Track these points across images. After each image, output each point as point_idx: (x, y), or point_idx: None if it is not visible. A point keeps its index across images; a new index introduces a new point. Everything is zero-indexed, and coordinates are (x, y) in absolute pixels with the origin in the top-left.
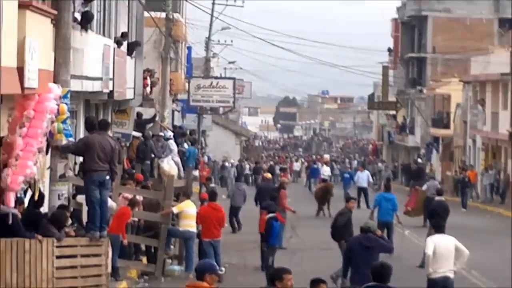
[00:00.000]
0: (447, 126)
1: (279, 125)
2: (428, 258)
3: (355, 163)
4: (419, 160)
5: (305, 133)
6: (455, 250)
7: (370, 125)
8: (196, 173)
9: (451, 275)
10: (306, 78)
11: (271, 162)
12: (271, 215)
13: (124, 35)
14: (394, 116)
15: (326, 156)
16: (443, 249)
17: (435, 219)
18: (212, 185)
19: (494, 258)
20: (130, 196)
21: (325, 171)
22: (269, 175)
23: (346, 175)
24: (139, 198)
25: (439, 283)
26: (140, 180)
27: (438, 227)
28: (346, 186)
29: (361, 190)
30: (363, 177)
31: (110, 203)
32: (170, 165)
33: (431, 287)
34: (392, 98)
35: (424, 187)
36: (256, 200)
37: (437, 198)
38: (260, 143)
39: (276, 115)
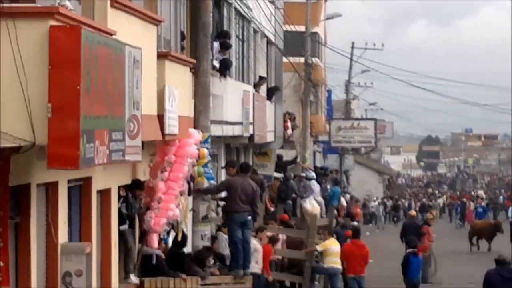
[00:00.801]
0: None
1: (422, 163)
2: None
3: (500, 198)
4: None
5: (449, 171)
6: None
7: None
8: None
9: None
10: (449, 117)
11: (423, 200)
12: (409, 250)
13: (262, 80)
14: None
15: (481, 192)
16: None
17: None
18: (355, 223)
19: None
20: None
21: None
22: (413, 212)
23: (480, 210)
24: (282, 236)
25: None
26: (285, 220)
27: None
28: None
29: None
30: None
31: (256, 246)
32: (312, 204)
33: None
34: None
35: None
36: (401, 237)
37: None
38: (403, 181)
39: (419, 154)
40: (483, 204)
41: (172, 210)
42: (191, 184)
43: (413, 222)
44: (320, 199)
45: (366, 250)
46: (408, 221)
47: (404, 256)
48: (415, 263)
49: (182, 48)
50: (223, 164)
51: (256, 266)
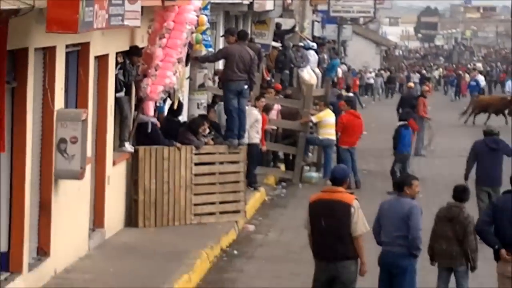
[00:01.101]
0: None
1: (420, 35)
2: None
3: (494, 72)
4: None
5: (446, 42)
6: None
7: None
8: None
9: None
10: None
11: (423, 71)
12: (401, 122)
13: None
14: None
15: (479, 65)
16: None
17: None
18: (350, 94)
19: None
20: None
21: (481, 80)
22: (411, 84)
23: (472, 83)
24: (277, 106)
25: None
26: (278, 89)
27: None
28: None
29: None
30: None
31: (258, 116)
32: (310, 74)
33: None
34: None
35: None
36: (398, 109)
37: None
38: (401, 53)
39: (417, 25)
40: (478, 77)
41: (169, 77)
42: (189, 51)
43: (411, 94)
44: (317, 70)
45: (361, 120)
46: (406, 93)
47: (395, 128)
48: (406, 136)
49: None
50: (221, 32)
51: (256, 136)
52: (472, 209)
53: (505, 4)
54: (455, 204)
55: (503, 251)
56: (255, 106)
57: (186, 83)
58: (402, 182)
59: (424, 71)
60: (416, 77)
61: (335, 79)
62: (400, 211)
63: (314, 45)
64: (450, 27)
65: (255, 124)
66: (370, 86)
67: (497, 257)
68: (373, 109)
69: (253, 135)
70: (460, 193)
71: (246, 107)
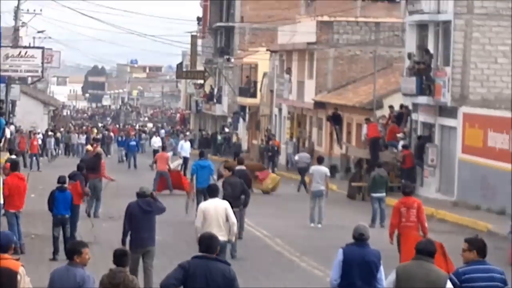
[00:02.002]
0: (254, 95)
1: (87, 95)
2: (196, 229)
3: (162, 132)
4: (226, 129)
5: (113, 102)
6: (226, 216)
7: (178, 94)
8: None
9: (222, 238)
10: (116, 48)
11: (96, 133)
12: (58, 185)
13: None
14: (202, 85)
15: (150, 125)
16: (213, 211)
17: (209, 185)
18: (13, 156)
19: (297, 225)
20: None
21: (155, 142)
22: (90, 147)
23: (132, 143)
24: None
25: None
26: None
27: (211, 191)
28: (132, 153)
29: (186, 160)
30: (187, 148)
31: None
32: None
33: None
34: (200, 67)
35: (297, 158)
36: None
37: (238, 167)
38: (69, 113)
39: (84, 85)
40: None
41: None
42: None
43: (90, 156)
44: None
45: (25, 183)
46: (86, 156)
47: (51, 191)
48: (60, 198)
49: None
50: None
51: None
52: None
53: (170, 64)
54: (118, 270)
55: None
56: None
57: None
58: (71, 251)
59: (98, 133)
60: (83, 138)
61: (3, 140)
62: (72, 282)
63: None
64: (117, 87)
65: None
66: (44, 147)
67: None
68: (47, 171)
69: None
70: (120, 258)
71: None
